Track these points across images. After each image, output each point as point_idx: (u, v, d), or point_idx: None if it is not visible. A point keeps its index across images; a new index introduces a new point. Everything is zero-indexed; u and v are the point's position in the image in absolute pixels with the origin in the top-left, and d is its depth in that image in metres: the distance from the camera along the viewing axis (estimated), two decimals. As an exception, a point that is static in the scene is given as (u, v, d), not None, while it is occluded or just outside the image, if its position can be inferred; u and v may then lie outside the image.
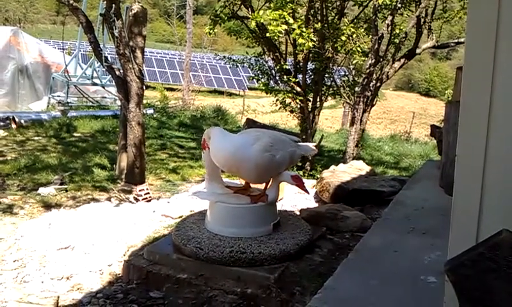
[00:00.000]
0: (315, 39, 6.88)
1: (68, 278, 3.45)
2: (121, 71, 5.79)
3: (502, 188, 1.44)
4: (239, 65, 9.00)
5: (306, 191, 3.73)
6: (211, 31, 8.01)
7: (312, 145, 4.09)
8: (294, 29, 6.84)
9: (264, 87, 8.15)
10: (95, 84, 12.01)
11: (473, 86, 1.46)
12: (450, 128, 4.16)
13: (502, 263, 1.21)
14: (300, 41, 6.75)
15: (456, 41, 8.70)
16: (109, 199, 5.41)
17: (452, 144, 3.88)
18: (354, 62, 7.49)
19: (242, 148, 3.38)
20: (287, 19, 6.79)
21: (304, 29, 6.80)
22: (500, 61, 1.39)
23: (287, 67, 7.82)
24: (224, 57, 9.20)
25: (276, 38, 7.05)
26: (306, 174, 7.38)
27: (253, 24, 7.15)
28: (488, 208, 1.46)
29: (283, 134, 3.90)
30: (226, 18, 7.81)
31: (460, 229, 1.52)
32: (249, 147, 3.37)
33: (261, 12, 7.05)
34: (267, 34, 7.00)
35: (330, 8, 7.83)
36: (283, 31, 6.79)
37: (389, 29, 7.45)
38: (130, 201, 5.32)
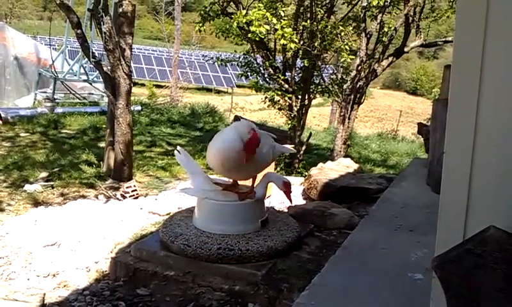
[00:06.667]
0: (296, 40, 6.88)
1: (54, 275, 3.42)
2: (109, 67, 5.75)
3: (489, 186, 1.44)
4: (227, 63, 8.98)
5: (291, 201, 3.73)
6: (201, 28, 7.99)
7: (289, 147, 4.37)
8: (276, 30, 6.85)
9: (253, 85, 8.13)
10: (85, 81, 11.90)
11: (462, 83, 1.46)
12: (438, 126, 4.17)
13: (490, 259, 1.21)
14: (282, 42, 6.76)
15: (444, 40, 8.78)
16: (96, 196, 5.37)
17: (440, 142, 3.90)
18: (342, 60, 7.49)
19: (228, 144, 3.36)
20: (269, 19, 6.79)
21: (286, 30, 6.79)
22: (489, 58, 1.40)
23: (276, 65, 7.81)
24: (212, 58, 9.16)
25: (262, 36, 7.03)
26: (295, 172, 7.39)
27: (234, 25, 7.14)
28: (475, 205, 1.46)
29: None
30: (215, 15, 7.80)
31: (447, 226, 1.52)
32: (235, 143, 3.35)
33: (245, 11, 7.01)
34: (249, 35, 7.01)
35: (319, 6, 7.83)
36: (264, 31, 6.79)
37: (377, 27, 7.47)
38: (118, 198, 5.29)
